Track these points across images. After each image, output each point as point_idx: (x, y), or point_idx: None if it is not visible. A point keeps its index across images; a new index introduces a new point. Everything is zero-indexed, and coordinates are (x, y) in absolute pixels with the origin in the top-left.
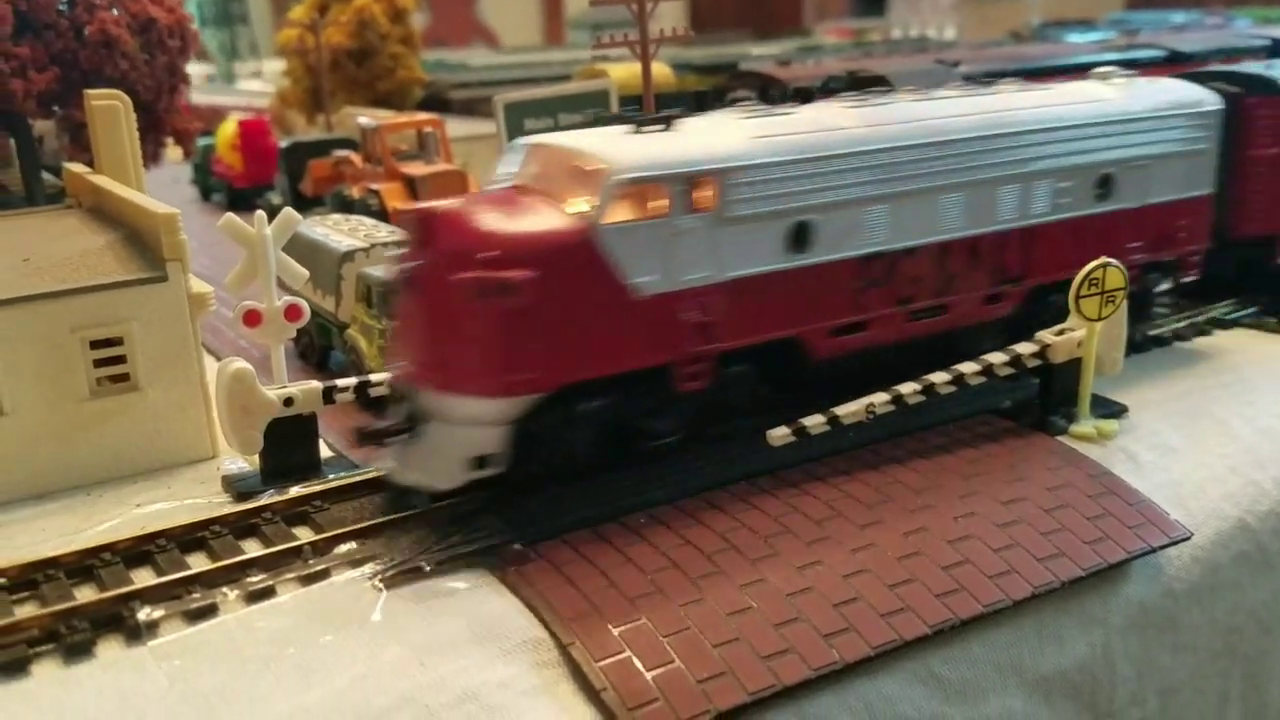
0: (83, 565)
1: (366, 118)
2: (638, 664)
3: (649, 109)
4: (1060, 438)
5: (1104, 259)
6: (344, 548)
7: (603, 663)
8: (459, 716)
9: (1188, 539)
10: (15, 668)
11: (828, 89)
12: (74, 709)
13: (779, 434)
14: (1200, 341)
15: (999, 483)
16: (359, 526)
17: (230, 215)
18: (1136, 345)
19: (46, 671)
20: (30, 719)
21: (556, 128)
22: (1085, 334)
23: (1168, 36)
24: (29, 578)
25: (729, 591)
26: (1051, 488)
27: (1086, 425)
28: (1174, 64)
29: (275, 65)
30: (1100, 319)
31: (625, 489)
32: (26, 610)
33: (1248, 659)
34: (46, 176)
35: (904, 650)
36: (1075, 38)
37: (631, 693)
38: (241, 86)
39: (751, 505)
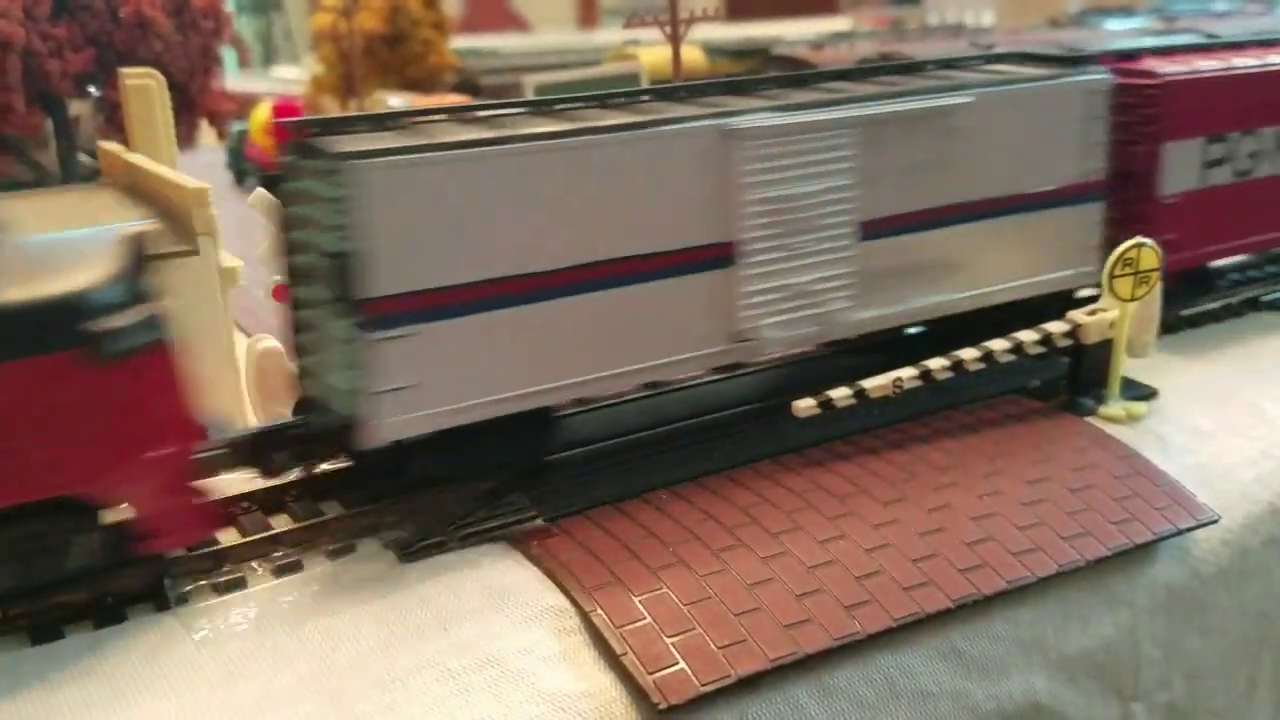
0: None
1: (398, 99)
2: (659, 630)
3: None
4: (1089, 419)
5: (1138, 238)
6: (370, 523)
7: (624, 629)
8: (481, 680)
9: (1215, 522)
10: (49, 632)
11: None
12: (104, 671)
13: (804, 405)
14: (1233, 324)
15: (1025, 462)
16: (386, 502)
17: (261, 190)
18: (1169, 326)
19: (78, 635)
20: (61, 680)
21: None
22: (1117, 315)
23: (1207, 23)
24: None
25: (751, 563)
26: (1078, 468)
27: (1116, 407)
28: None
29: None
30: (1133, 300)
31: (648, 467)
32: None
33: (1278, 645)
34: (82, 158)
35: (926, 625)
36: (1114, 24)
37: (651, 657)
38: (276, 74)
39: (775, 482)
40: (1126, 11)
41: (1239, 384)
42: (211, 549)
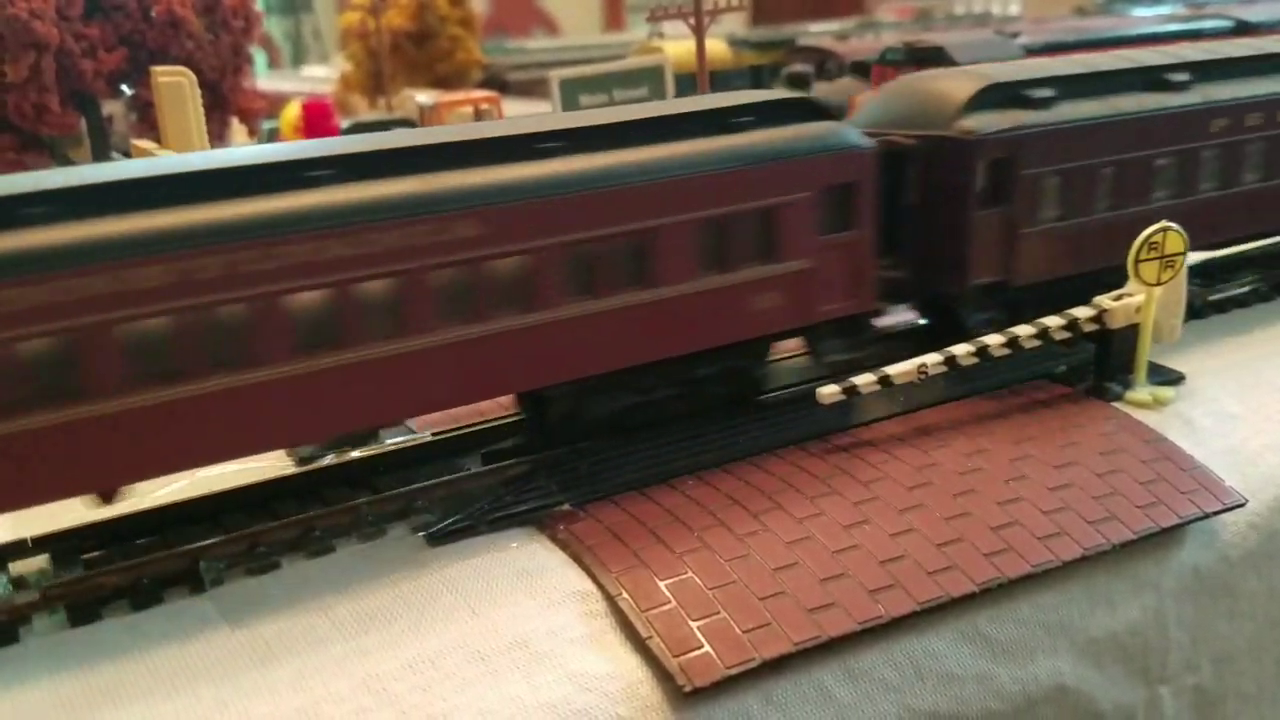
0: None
1: (425, 95)
2: (684, 614)
3: (703, 85)
4: (1116, 404)
5: (1164, 222)
6: (399, 508)
7: (649, 612)
8: (509, 662)
9: (1242, 505)
10: (87, 614)
11: (885, 61)
12: (141, 652)
13: (829, 391)
14: (1261, 308)
15: (1051, 447)
16: (415, 488)
17: None
18: (1196, 312)
19: (116, 618)
20: (99, 662)
21: (611, 104)
22: (1144, 299)
23: (1236, 7)
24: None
25: (775, 548)
26: (1104, 453)
27: (1142, 392)
28: (1242, 35)
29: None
30: (1159, 284)
31: (674, 452)
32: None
33: None
34: (116, 156)
35: (951, 608)
36: (1142, 11)
37: (677, 640)
38: (306, 73)
39: (799, 468)
40: None
41: (1266, 368)
42: (244, 532)
